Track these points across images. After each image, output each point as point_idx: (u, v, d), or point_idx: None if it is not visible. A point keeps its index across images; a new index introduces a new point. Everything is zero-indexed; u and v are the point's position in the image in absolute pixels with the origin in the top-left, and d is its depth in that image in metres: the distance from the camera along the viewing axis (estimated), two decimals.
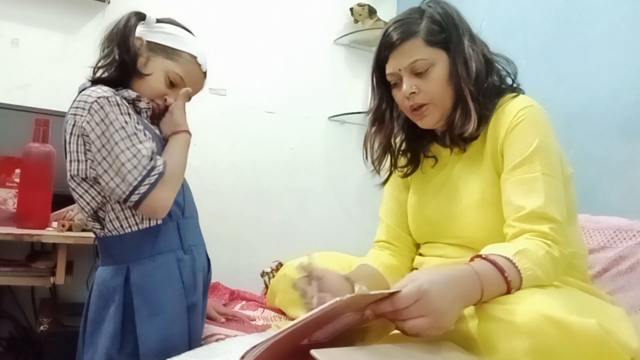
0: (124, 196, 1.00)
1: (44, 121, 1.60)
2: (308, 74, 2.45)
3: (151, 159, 1.01)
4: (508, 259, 0.85)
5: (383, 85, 1.13)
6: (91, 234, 1.17)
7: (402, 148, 1.20)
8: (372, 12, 2.40)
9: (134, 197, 1.00)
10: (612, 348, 0.74)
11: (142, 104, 1.11)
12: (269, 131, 2.35)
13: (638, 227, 1.33)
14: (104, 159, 1.00)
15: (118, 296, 1.03)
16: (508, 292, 0.83)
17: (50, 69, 1.95)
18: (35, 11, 1.94)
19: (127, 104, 1.05)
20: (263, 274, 1.66)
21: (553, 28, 1.80)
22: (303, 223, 2.39)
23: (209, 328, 1.17)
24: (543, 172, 0.97)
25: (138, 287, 1.03)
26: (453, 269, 0.85)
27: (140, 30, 1.14)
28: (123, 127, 1.01)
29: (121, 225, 1.05)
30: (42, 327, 1.53)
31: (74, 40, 2.00)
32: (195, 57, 1.16)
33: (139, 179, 0.99)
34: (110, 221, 1.05)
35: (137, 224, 1.05)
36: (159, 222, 1.07)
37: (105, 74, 1.10)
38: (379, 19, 2.40)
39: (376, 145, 1.17)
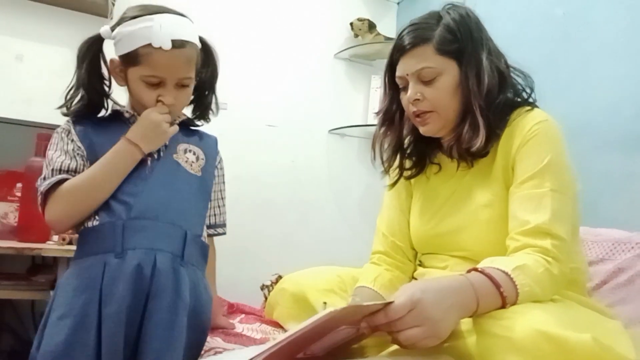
0: None
1: (46, 136, 1.61)
2: (309, 88, 2.47)
3: (44, 179, 1.06)
4: (506, 274, 0.85)
5: (394, 86, 1.12)
6: None
7: (409, 150, 1.19)
8: (371, 26, 2.43)
9: None
10: None
11: (126, 115, 1.14)
12: (270, 144, 2.36)
13: (637, 239, 1.32)
14: None
15: (53, 294, 1.05)
16: (503, 306, 0.83)
17: (53, 84, 1.96)
18: (39, 27, 1.97)
19: (69, 127, 1.13)
20: (263, 287, 1.65)
21: (553, 41, 1.81)
22: (304, 235, 2.39)
23: (208, 342, 1.17)
24: (552, 188, 0.96)
25: (60, 287, 1.03)
26: (447, 279, 0.85)
27: (113, 47, 1.11)
28: (47, 155, 1.10)
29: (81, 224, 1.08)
30: None
31: None
32: (149, 45, 1.04)
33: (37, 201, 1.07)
34: None
35: (85, 223, 1.06)
36: (95, 223, 1.04)
37: (77, 107, 1.14)
38: (378, 34, 2.42)
39: (385, 146, 1.17)
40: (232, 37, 2.31)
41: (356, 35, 2.47)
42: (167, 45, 1.04)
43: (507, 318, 0.79)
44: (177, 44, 1.06)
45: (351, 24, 2.45)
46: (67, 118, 1.15)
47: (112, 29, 1.10)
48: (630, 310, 1.19)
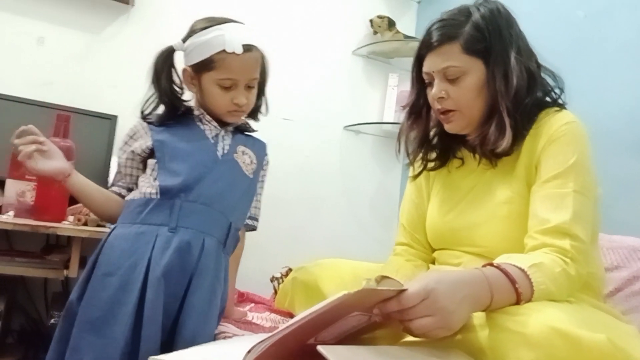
0: None
1: (65, 117, 1.62)
2: (326, 83, 2.47)
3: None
4: (522, 270, 0.85)
5: (421, 80, 1.12)
6: (106, 229, 1.23)
7: (434, 142, 1.19)
8: (391, 24, 2.42)
9: None
10: None
11: (196, 112, 1.23)
12: (284, 138, 2.36)
13: None
14: None
15: (96, 250, 1.11)
16: (517, 302, 0.83)
17: (73, 68, 1.99)
18: (61, 11, 1.99)
19: (139, 125, 1.22)
20: (272, 279, 1.66)
21: (572, 44, 1.79)
22: (315, 230, 2.39)
23: (220, 327, 1.18)
24: (575, 189, 0.95)
25: (108, 245, 1.10)
26: (462, 271, 0.85)
27: (184, 59, 1.20)
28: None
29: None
30: (52, 321, 1.54)
31: (98, 40, 2.04)
32: (223, 51, 1.14)
33: None
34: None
35: (144, 192, 1.14)
36: (154, 195, 1.12)
37: (154, 110, 1.23)
38: (398, 31, 2.42)
39: (412, 138, 1.17)
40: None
41: (375, 33, 2.46)
42: (239, 50, 1.15)
43: (521, 314, 0.79)
44: (247, 48, 1.16)
45: (371, 21, 2.45)
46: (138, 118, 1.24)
47: (183, 41, 1.19)
48: None
